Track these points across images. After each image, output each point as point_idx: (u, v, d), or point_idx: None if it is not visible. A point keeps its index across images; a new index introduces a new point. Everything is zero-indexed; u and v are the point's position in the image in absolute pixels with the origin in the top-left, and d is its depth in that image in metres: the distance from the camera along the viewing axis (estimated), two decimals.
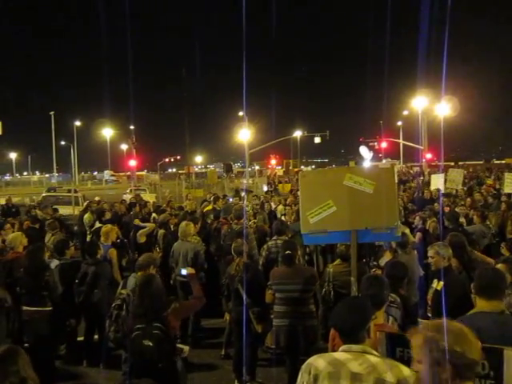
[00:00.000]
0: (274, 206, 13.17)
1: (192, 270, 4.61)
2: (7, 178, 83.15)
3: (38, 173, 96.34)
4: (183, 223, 7.35)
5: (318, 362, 2.48)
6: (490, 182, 22.89)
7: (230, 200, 14.72)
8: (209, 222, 9.73)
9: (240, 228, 7.63)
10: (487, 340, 2.58)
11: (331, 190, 4.39)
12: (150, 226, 9.06)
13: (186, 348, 4.11)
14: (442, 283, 4.36)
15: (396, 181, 4.54)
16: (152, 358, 3.66)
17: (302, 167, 62.84)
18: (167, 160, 67.89)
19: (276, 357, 5.59)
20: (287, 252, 5.29)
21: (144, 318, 3.79)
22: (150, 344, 3.65)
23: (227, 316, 6.07)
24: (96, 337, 6.19)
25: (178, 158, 69.84)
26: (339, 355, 2.49)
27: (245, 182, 31.65)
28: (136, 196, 17.47)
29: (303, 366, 2.53)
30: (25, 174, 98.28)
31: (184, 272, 4.69)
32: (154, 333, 3.68)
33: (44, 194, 22.10)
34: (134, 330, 3.75)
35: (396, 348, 2.71)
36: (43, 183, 51.79)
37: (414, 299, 5.08)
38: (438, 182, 15.14)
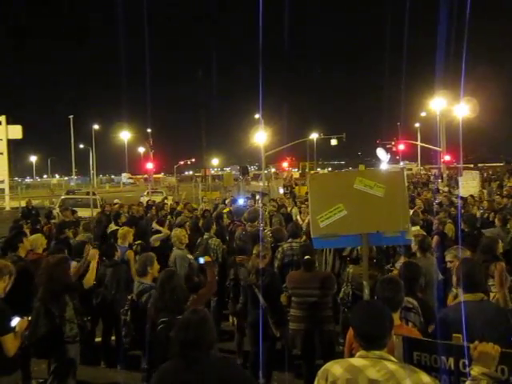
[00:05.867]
0: (289, 209, 13.13)
1: (208, 258, 4.99)
2: (27, 180, 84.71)
3: (57, 176, 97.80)
4: (177, 230, 7.14)
5: (334, 368, 2.44)
6: (510, 183, 22.52)
7: (237, 202, 14.64)
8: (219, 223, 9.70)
9: (254, 230, 7.59)
10: (473, 327, 2.94)
11: (341, 193, 4.37)
12: (164, 232, 9.09)
13: None
14: None
15: (406, 184, 4.54)
16: None
17: (319, 169, 62.58)
18: (183, 163, 68.35)
19: (292, 361, 5.57)
20: (307, 257, 5.28)
21: (166, 311, 3.88)
22: None
23: (233, 319, 6.04)
24: (113, 338, 6.26)
25: (194, 160, 70.32)
26: (356, 361, 2.44)
27: (261, 184, 31.67)
28: (163, 198, 17.50)
29: (319, 372, 2.49)
30: (44, 176, 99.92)
31: (202, 260, 5.06)
32: None
33: (63, 197, 22.44)
34: (159, 323, 3.83)
35: (413, 352, 2.65)
36: (62, 186, 52.54)
37: (432, 304, 5.01)
38: (468, 185, 14.79)
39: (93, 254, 5.54)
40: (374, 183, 4.28)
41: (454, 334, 2.66)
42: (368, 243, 4.37)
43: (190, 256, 6.68)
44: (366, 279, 4.31)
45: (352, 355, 3.17)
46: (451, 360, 2.54)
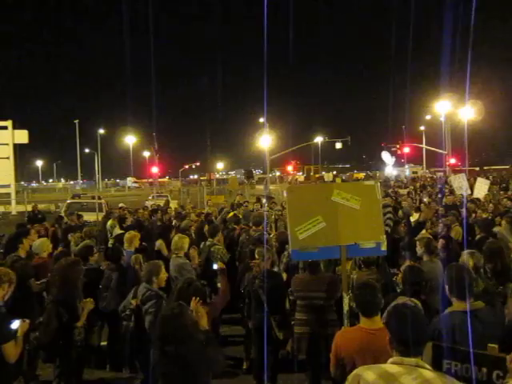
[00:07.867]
0: None
1: (222, 265, 4.99)
2: (33, 185, 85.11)
3: (63, 180, 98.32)
4: (176, 236, 6.83)
5: (367, 374, 2.34)
6: None
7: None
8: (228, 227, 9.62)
9: (258, 234, 7.54)
10: (460, 337, 2.82)
11: (320, 205, 4.42)
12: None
13: None
14: None
15: (380, 197, 4.69)
16: None
17: (323, 173, 62.42)
18: (188, 166, 68.51)
19: (297, 364, 5.55)
20: (311, 260, 5.26)
21: None
22: None
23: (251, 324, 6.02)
24: None
25: (199, 164, 70.47)
26: (390, 368, 2.33)
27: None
28: (165, 202, 17.40)
29: (349, 378, 2.41)
30: (50, 181, 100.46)
31: (215, 266, 5.08)
32: None
33: (69, 201, 22.45)
34: None
35: (443, 360, 2.57)
36: (68, 190, 52.77)
37: (438, 308, 4.98)
38: (481, 188, 14.67)
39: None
40: (350, 196, 4.39)
41: (489, 344, 2.57)
42: (346, 255, 4.45)
43: (188, 262, 6.40)
44: (346, 290, 4.37)
45: (341, 365, 3.15)
46: (484, 370, 2.46)
